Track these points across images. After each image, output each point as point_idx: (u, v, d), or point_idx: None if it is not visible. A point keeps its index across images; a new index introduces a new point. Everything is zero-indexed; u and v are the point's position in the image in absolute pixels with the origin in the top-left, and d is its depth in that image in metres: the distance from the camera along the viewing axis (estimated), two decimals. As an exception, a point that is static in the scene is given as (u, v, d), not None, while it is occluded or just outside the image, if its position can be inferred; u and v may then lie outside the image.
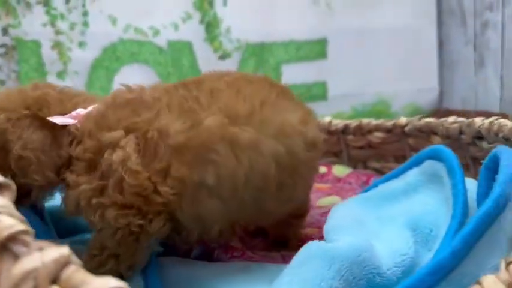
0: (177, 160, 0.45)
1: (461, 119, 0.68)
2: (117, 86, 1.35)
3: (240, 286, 0.46)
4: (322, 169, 0.91)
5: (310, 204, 0.70)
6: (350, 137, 0.86)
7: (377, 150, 0.85)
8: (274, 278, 0.42)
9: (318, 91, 1.41)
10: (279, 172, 0.49)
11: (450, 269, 0.33)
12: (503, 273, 0.31)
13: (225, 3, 1.33)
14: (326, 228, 0.47)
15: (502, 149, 0.42)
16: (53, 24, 1.24)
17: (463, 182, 0.44)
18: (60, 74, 1.26)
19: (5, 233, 0.27)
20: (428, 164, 0.52)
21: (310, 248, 0.40)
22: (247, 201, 0.49)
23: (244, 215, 0.52)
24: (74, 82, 1.27)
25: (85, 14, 1.26)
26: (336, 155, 0.90)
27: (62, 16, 1.25)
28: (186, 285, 0.48)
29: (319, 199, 0.82)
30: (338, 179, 0.90)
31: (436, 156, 0.50)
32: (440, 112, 1.48)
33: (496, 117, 0.59)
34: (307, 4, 1.37)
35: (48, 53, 1.24)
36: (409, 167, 0.55)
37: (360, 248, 0.38)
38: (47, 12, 1.23)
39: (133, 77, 1.30)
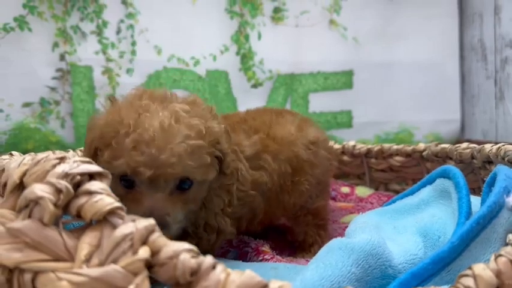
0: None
1: (473, 145, 0.75)
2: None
3: (269, 278, 0.53)
4: (346, 189, 0.99)
5: (331, 218, 0.79)
6: (372, 160, 0.94)
7: (397, 173, 0.92)
8: (299, 273, 0.49)
9: (344, 119, 1.50)
10: (292, 172, 0.70)
11: (449, 261, 0.41)
12: (492, 263, 0.38)
13: (259, 37, 1.45)
14: (347, 231, 0.55)
15: (500, 167, 0.49)
16: (104, 52, 1.38)
17: (468, 196, 0.51)
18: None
19: (106, 208, 0.36)
20: (440, 181, 0.59)
21: (333, 242, 0.48)
22: (273, 196, 0.68)
23: (270, 207, 0.70)
24: (120, 105, 1.40)
25: (133, 43, 1.40)
26: (359, 177, 0.98)
27: (113, 45, 1.38)
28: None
29: (343, 217, 0.90)
30: (361, 199, 0.97)
31: (446, 175, 0.58)
32: (461, 143, 1.54)
33: (503, 144, 0.66)
34: (335, 38, 1.48)
35: (99, 77, 1.38)
36: (423, 185, 0.63)
37: (375, 243, 0.46)
38: (100, 41, 1.37)
39: (174, 101, 1.42)
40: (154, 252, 0.34)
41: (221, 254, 0.73)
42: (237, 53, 1.44)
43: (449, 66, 1.51)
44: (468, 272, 0.36)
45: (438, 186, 0.59)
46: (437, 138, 1.51)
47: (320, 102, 1.48)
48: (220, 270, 0.33)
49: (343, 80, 1.49)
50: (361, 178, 0.96)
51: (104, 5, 1.37)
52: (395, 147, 0.90)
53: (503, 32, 1.34)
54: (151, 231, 0.35)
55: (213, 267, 0.33)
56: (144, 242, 0.34)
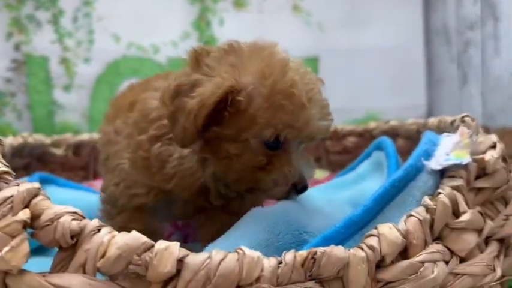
0: None
1: (420, 120, 0.74)
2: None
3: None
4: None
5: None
6: (328, 142, 0.92)
7: (353, 154, 0.91)
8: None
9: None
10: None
11: (362, 224, 0.39)
12: (401, 223, 0.36)
13: (221, 23, 1.42)
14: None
15: (426, 133, 0.48)
16: (60, 41, 1.34)
17: (396, 163, 0.50)
18: (67, 88, 1.35)
19: (-8, 173, 0.34)
20: (375, 154, 0.58)
21: (251, 211, 0.46)
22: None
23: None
24: (79, 95, 1.36)
25: (91, 32, 1.36)
26: (316, 161, 0.96)
27: (70, 34, 1.35)
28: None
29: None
30: (317, 181, 0.96)
31: (380, 147, 0.56)
32: (428, 127, 1.54)
33: (443, 116, 0.65)
34: (299, 24, 1.46)
35: (55, 68, 1.34)
36: (362, 160, 0.61)
37: (287, 210, 0.44)
38: (56, 30, 1.34)
39: (134, 91, 1.39)
40: (36, 216, 0.32)
41: (166, 237, 0.71)
42: (199, 40, 1.41)
43: (415, 51, 1.50)
44: (374, 231, 0.35)
45: (374, 159, 0.58)
46: (404, 124, 1.50)
47: (285, 90, 1.46)
48: (105, 233, 0.31)
49: (308, 66, 1.46)
50: (318, 161, 0.94)
51: (58, -7, 1.33)
52: (348, 127, 0.89)
53: (464, 14, 1.33)
54: (34, 195, 0.33)
55: (98, 230, 0.31)
56: (26, 205, 0.32)
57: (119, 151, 0.54)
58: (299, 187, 0.48)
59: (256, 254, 0.28)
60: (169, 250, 0.27)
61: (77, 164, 0.91)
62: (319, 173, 0.99)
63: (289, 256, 0.29)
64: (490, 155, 0.43)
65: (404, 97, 1.49)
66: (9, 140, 0.74)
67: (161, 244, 0.28)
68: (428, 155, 0.43)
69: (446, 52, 1.43)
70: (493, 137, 0.46)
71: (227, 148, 0.47)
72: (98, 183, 0.91)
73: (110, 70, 1.38)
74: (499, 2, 1.19)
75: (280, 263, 0.29)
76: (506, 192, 0.45)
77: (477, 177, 0.43)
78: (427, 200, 0.38)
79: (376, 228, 0.35)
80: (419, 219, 0.36)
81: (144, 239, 0.29)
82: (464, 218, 0.38)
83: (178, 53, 1.39)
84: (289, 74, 0.47)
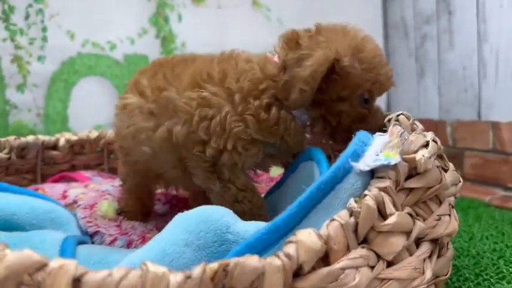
0: None
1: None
2: (75, 98, 1.40)
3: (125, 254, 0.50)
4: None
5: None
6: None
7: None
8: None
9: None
10: None
11: (287, 229, 0.38)
12: (323, 229, 0.36)
13: (180, 19, 1.39)
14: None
15: (359, 133, 0.47)
16: (12, 39, 1.29)
17: (327, 167, 0.49)
18: (20, 87, 1.31)
19: None
20: (302, 166, 0.57)
21: (175, 217, 0.45)
22: None
23: None
24: (34, 94, 1.32)
25: (44, 29, 1.31)
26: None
27: (22, 31, 1.30)
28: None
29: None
30: (271, 179, 0.95)
31: (309, 157, 0.56)
32: (389, 121, 1.55)
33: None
34: (259, 20, 1.44)
35: (8, 66, 1.29)
36: (287, 176, 0.61)
37: (209, 210, 0.44)
38: (7, 28, 1.29)
39: (91, 89, 1.35)
40: None
41: (110, 242, 0.70)
42: (157, 36, 1.38)
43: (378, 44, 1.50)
44: (292, 238, 0.34)
45: (301, 172, 0.57)
46: (365, 118, 1.51)
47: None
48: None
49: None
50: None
51: (8, -12, 1.28)
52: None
53: (421, 8, 1.34)
54: None
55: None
56: None
57: (228, 113, 0.58)
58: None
59: (162, 269, 0.27)
60: (64, 268, 0.26)
61: (23, 167, 0.87)
62: (274, 170, 0.98)
63: (197, 270, 0.28)
64: (421, 155, 0.42)
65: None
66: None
67: (56, 262, 0.27)
68: (357, 155, 0.43)
69: (404, 46, 1.44)
70: (428, 135, 0.46)
71: (337, 106, 0.59)
72: (46, 186, 0.88)
73: (65, 68, 1.34)
74: (453, -4, 1.20)
75: (189, 277, 0.28)
76: (439, 192, 0.45)
77: (408, 177, 0.43)
78: (352, 202, 0.38)
79: (295, 234, 0.34)
80: (341, 224, 0.35)
81: (36, 257, 0.27)
82: (390, 220, 0.38)
83: (135, 50, 1.37)
84: (370, 44, 0.61)
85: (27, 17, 1.30)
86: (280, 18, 1.46)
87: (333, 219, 0.36)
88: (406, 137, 0.44)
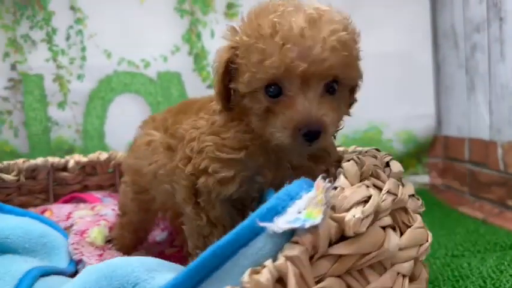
0: None
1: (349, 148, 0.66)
2: (111, 115, 1.45)
3: None
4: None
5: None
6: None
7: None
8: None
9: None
10: None
11: None
12: None
13: (212, 35, 1.38)
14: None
15: (294, 183, 0.40)
16: (54, 59, 1.36)
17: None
18: (61, 104, 1.37)
19: None
20: None
21: (85, 269, 0.42)
22: None
23: None
24: (73, 112, 1.38)
25: (83, 49, 1.37)
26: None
27: (63, 52, 1.36)
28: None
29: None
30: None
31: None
32: (437, 140, 1.41)
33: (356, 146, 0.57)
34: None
35: (50, 85, 1.36)
36: None
37: (118, 265, 0.40)
38: (50, 49, 1.36)
39: (126, 106, 1.39)
40: None
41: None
42: (189, 53, 1.38)
43: (422, 56, 1.38)
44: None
45: None
46: (410, 136, 1.39)
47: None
48: None
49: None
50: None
51: (52, 12, 1.35)
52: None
53: (471, 14, 1.20)
54: None
55: None
56: None
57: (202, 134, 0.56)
58: (303, 131, 0.45)
59: None
60: None
61: (35, 188, 0.90)
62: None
63: None
64: (352, 214, 0.35)
65: (410, 106, 1.38)
66: None
67: None
68: (276, 212, 0.36)
69: (454, 57, 1.30)
70: (363, 191, 0.38)
71: (244, 103, 0.50)
72: (54, 207, 0.91)
73: (102, 86, 1.38)
74: (504, 1, 1.06)
75: None
76: (382, 259, 0.37)
77: (340, 241, 0.36)
78: (245, 276, 0.32)
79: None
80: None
81: None
82: (288, 300, 0.32)
83: (168, 67, 1.38)
84: (269, 17, 0.46)
85: (68, 38, 1.36)
86: (317, 30, 1.38)
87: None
88: (331, 193, 0.36)
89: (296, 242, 0.34)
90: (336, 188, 0.39)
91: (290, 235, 0.36)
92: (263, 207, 0.37)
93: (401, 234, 0.41)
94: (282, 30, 0.45)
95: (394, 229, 0.40)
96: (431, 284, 0.71)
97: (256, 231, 0.35)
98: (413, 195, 0.47)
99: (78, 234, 0.76)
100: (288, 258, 0.33)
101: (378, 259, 0.37)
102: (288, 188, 0.39)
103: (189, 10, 1.37)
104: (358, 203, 0.37)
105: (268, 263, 0.33)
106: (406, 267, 0.39)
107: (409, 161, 1.42)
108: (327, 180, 0.37)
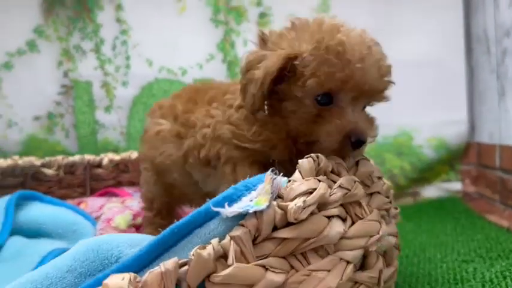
0: None
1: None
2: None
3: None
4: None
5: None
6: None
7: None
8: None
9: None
10: None
11: (135, 271, 0.39)
12: (145, 275, 0.35)
13: (245, 44, 1.45)
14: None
15: (254, 177, 0.45)
16: (102, 67, 1.49)
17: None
18: (107, 109, 1.50)
19: None
20: None
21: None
22: None
23: None
24: (118, 115, 1.50)
25: (127, 58, 1.49)
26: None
27: (109, 60, 1.49)
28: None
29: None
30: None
31: None
32: (470, 147, 1.38)
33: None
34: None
35: (98, 91, 1.49)
36: None
37: (103, 240, 0.46)
38: (98, 58, 1.49)
39: (165, 111, 1.48)
40: None
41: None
42: (223, 61, 1.46)
43: (454, 61, 1.36)
44: (104, 282, 0.35)
45: None
46: (442, 142, 1.37)
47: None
48: None
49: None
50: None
51: (100, 24, 1.48)
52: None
53: (501, 20, 1.18)
54: None
55: None
56: None
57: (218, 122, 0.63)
58: (353, 139, 0.51)
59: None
60: None
61: (73, 182, 1.01)
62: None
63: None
64: (294, 203, 0.40)
65: (442, 112, 1.36)
66: None
67: None
68: (232, 200, 0.41)
69: (486, 62, 1.28)
70: (311, 183, 0.42)
71: (285, 106, 0.54)
72: (89, 199, 1.01)
73: (144, 92, 1.49)
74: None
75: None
76: (325, 244, 0.41)
77: (285, 226, 0.41)
78: (193, 251, 0.37)
79: (108, 277, 0.35)
80: (161, 272, 0.35)
81: None
82: (224, 272, 0.36)
83: (203, 74, 1.46)
84: (337, 36, 0.52)
85: (114, 47, 1.49)
86: (348, 37, 1.41)
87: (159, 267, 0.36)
88: (278, 184, 0.41)
89: (242, 225, 0.39)
90: (290, 181, 0.43)
91: (241, 219, 0.41)
92: (220, 195, 0.42)
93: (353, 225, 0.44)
94: (350, 50, 0.51)
95: (344, 220, 0.44)
96: (429, 285, 0.73)
97: (211, 215, 0.41)
98: (378, 193, 0.50)
99: (104, 222, 0.85)
100: (231, 237, 0.38)
101: (318, 244, 0.41)
102: (247, 180, 0.44)
103: (224, 20, 1.45)
104: (302, 194, 0.41)
105: (214, 241, 0.38)
106: (350, 254, 0.42)
107: (441, 167, 1.40)
108: (275, 173, 0.42)
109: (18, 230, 0.81)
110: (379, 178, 0.55)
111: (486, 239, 0.96)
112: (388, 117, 1.39)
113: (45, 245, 0.74)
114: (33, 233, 0.84)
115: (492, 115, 1.25)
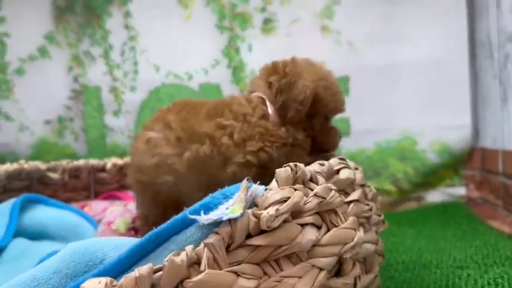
0: None
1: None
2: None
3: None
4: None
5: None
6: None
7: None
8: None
9: (341, 127, 1.43)
10: None
11: (114, 276, 0.41)
12: (121, 280, 0.37)
13: (250, 49, 1.47)
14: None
15: (232, 186, 0.46)
16: (111, 72, 1.53)
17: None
18: (116, 113, 1.54)
19: None
20: None
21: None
22: None
23: None
24: (126, 120, 1.53)
25: (135, 63, 1.52)
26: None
27: (118, 66, 1.53)
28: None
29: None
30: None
31: None
32: (474, 151, 1.38)
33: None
34: (328, 45, 1.43)
35: (106, 96, 1.53)
36: None
37: (90, 243, 0.48)
38: (107, 63, 1.53)
39: (171, 115, 1.51)
40: None
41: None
42: (228, 66, 1.48)
43: (458, 65, 1.36)
44: (82, 285, 0.37)
45: None
46: (445, 147, 1.37)
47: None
48: None
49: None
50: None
51: (109, 31, 1.52)
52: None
53: (503, 25, 1.18)
54: None
55: None
56: None
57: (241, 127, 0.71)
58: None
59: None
60: None
61: (78, 186, 1.04)
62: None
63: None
64: (267, 212, 0.41)
65: (445, 116, 1.36)
66: (5, 167, 0.90)
67: None
68: (208, 208, 0.43)
69: (489, 67, 1.27)
70: (286, 192, 0.43)
71: (311, 122, 0.71)
72: (93, 202, 1.04)
73: (151, 97, 1.53)
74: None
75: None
76: (298, 251, 0.43)
77: (259, 234, 0.42)
78: (167, 257, 0.39)
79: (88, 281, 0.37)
80: (135, 276, 0.37)
81: None
82: (196, 278, 0.38)
83: (209, 79, 1.49)
84: (332, 74, 0.73)
85: (122, 53, 1.52)
86: (351, 42, 1.42)
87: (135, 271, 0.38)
88: (252, 193, 0.43)
89: (216, 233, 0.41)
90: (267, 189, 0.45)
91: (217, 227, 0.43)
92: (197, 204, 0.44)
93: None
94: (334, 83, 0.73)
95: (319, 228, 0.45)
96: (420, 291, 0.74)
97: (188, 223, 0.43)
98: (357, 201, 0.52)
99: (105, 225, 0.88)
100: (205, 244, 0.40)
101: (290, 251, 0.42)
102: (226, 188, 0.46)
103: (229, 26, 1.47)
104: (276, 202, 0.43)
105: (188, 247, 0.40)
106: (323, 261, 0.44)
107: (445, 172, 1.40)
108: (249, 182, 0.44)
109: (22, 232, 0.84)
110: (362, 186, 0.56)
111: (484, 245, 0.96)
112: (392, 122, 1.41)
113: (47, 247, 0.77)
114: (37, 235, 0.87)
115: (495, 120, 1.25)
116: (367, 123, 1.42)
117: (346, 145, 1.43)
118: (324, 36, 1.43)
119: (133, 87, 1.53)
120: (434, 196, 1.41)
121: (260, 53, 1.46)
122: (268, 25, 1.46)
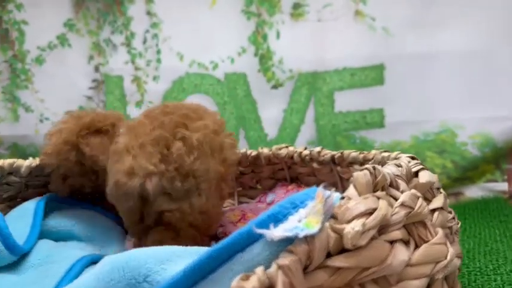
0: None
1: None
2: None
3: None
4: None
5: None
6: (338, 168, 0.84)
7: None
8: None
9: (375, 118, 1.36)
10: None
11: None
12: None
13: (278, 36, 1.39)
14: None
15: (304, 191, 0.40)
16: (133, 61, 1.46)
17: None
18: (138, 103, 1.47)
19: None
20: None
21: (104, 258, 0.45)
22: None
23: None
24: (149, 110, 1.47)
25: (158, 52, 1.46)
26: (333, 186, 0.89)
27: (140, 54, 1.46)
28: None
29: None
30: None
31: None
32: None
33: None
34: (362, 31, 1.35)
35: (128, 86, 1.47)
36: None
37: (131, 257, 0.42)
38: (129, 52, 1.46)
39: (196, 106, 1.45)
40: None
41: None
42: (255, 54, 1.41)
43: (502, 54, 1.27)
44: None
45: None
46: (487, 139, 1.29)
47: (347, 101, 1.37)
48: None
49: (373, 75, 1.35)
50: (335, 186, 0.87)
51: (131, 17, 1.45)
52: (353, 154, 0.79)
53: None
54: None
55: None
56: None
57: None
58: None
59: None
60: None
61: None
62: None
63: None
64: (351, 227, 0.35)
65: (488, 107, 1.28)
66: (27, 162, 0.84)
67: None
68: (277, 220, 0.37)
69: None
70: (370, 202, 0.37)
71: None
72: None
73: (175, 87, 1.46)
74: None
75: None
76: (387, 274, 0.36)
77: (341, 253, 0.36)
78: (234, 282, 0.33)
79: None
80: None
81: None
82: (271, 308, 0.32)
83: (235, 68, 1.41)
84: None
85: (144, 41, 1.46)
86: (387, 28, 1.34)
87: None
88: (332, 202, 0.36)
89: (290, 251, 0.35)
90: (343, 198, 0.38)
91: (289, 243, 0.36)
92: (264, 214, 0.37)
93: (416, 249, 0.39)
94: None
95: (407, 244, 0.39)
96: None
97: (254, 238, 0.36)
98: (441, 208, 0.45)
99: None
100: (279, 266, 0.33)
101: (379, 274, 0.36)
102: (293, 196, 0.39)
103: (256, 12, 1.39)
104: (361, 215, 0.36)
105: (259, 270, 0.33)
106: (415, 284, 0.37)
107: (486, 166, 1.32)
108: (328, 189, 0.36)
109: (47, 233, 0.79)
110: (438, 189, 0.49)
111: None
112: (430, 113, 1.33)
113: (75, 250, 0.72)
114: (63, 235, 0.81)
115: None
116: (403, 115, 1.34)
117: (380, 138, 1.36)
118: (357, 21, 1.35)
119: (156, 76, 1.46)
120: (474, 191, 1.34)
121: (288, 40, 1.38)
122: (297, 10, 1.38)
